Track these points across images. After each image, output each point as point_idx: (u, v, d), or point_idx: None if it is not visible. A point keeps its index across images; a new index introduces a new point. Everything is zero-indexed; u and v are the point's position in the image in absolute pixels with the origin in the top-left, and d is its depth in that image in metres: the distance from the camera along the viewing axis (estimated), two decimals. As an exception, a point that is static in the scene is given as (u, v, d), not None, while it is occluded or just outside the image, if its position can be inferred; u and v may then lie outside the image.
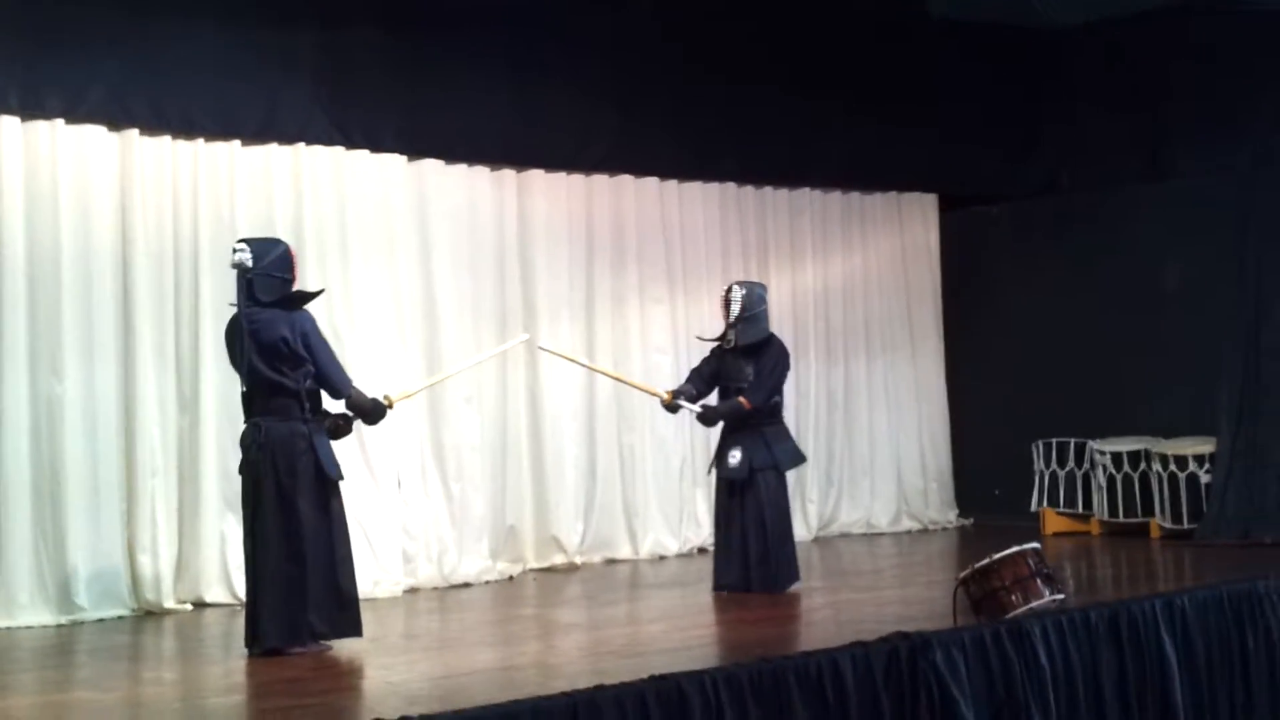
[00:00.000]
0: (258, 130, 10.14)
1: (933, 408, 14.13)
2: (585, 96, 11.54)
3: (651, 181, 12.37)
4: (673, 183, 12.53)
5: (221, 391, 9.82)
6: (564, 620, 9.23)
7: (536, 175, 11.67)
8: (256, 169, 10.20)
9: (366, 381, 10.15)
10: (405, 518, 10.48)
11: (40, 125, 9.34)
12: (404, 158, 10.83)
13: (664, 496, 12.11)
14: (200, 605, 9.67)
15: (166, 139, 9.86)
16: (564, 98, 11.40)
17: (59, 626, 9.01)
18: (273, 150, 10.25)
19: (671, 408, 9.86)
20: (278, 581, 7.56)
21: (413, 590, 10.28)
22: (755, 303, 9.79)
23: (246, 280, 7.72)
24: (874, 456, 13.67)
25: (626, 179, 12.22)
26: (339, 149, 10.47)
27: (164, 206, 9.84)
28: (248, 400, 7.78)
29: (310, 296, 8.00)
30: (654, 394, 10.13)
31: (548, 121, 11.38)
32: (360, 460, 10.20)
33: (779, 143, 12.77)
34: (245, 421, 7.80)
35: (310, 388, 7.75)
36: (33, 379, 9.25)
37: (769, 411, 9.71)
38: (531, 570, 11.28)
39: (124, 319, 9.63)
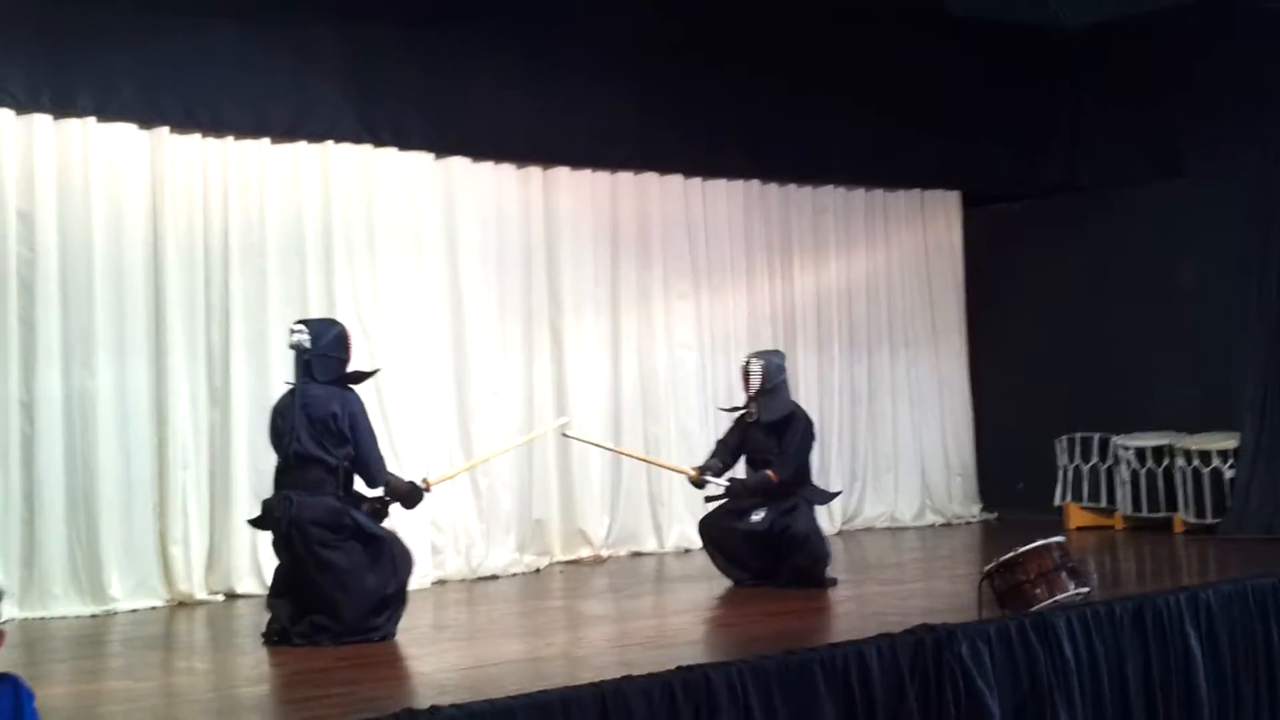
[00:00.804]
0: (287, 128, 10.22)
1: (956, 402, 14.15)
2: (610, 95, 11.59)
3: (676, 179, 12.42)
4: (697, 180, 12.57)
5: (252, 386, 9.94)
6: (591, 612, 9.28)
7: (562, 172, 11.73)
8: (286, 167, 10.28)
9: (396, 381, 10.35)
10: (433, 511, 10.53)
11: (72, 123, 9.44)
12: (431, 155, 10.90)
13: (689, 490, 12.07)
14: (232, 596, 9.76)
15: (197, 137, 9.94)
16: (590, 96, 11.46)
17: (92, 617, 9.11)
18: (302, 148, 10.32)
19: (698, 484, 9.92)
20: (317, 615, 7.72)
21: (441, 582, 10.35)
22: (775, 373, 9.83)
23: (305, 360, 7.90)
24: (898, 451, 13.70)
25: (651, 176, 12.27)
26: (367, 147, 10.54)
27: (194, 204, 9.93)
28: (280, 473, 7.89)
29: (365, 376, 8.17)
30: (681, 472, 10.28)
31: (573, 119, 11.44)
32: (389, 454, 10.23)
33: (802, 140, 12.81)
34: (275, 491, 7.89)
35: (347, 467, 7.87)
36: (66, 374, 9.34)
37: (796, 483, 9.74)
38: (558, 563, 11.34)
39: (156, 315, 9.72)
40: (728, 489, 9.77)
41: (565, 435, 10.81)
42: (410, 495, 8.15)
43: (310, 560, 7.68)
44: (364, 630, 7.70)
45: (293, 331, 8.02)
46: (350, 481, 7.92)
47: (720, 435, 10.29)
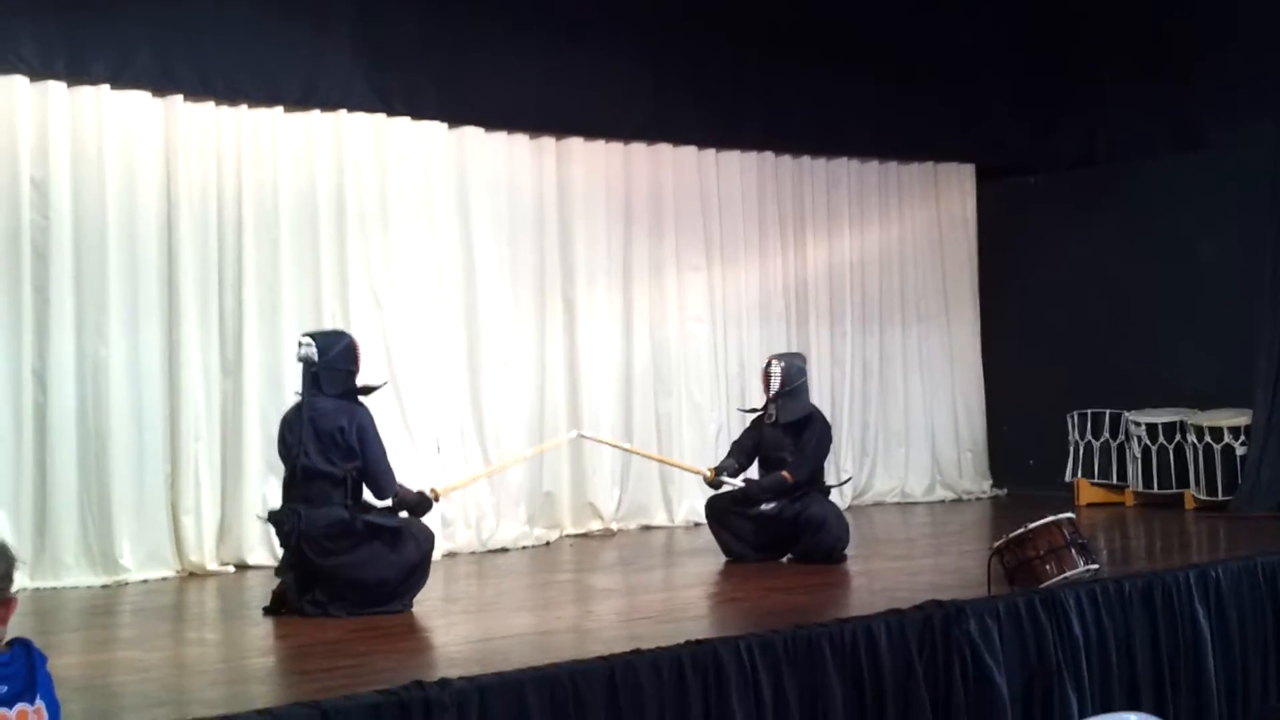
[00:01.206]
0: (300, 97, 10.22)
1: (968, 378, 14.14)
2: (624, 65, 11.58)
3: (689, 150, 12.40)
4: (710, 152, 12.56)
5: (264, 357, 9.96)
6: (600, 586, 9.31)
7: (575, 143, 11.72)
8: (299, 135, 10.29)
9: (409, 352, 10.35)
10: (444, 483, 10.55)
11: (86, 91, 9.44)
12: (444, 125, 10.89)
13: (699, 463, 12.13)
14: (242, 567, 9.79)
15: (210, 105, 9.94)
16: (603, 66, 11.45)
17: (104, 587, 9.14)
18: (315, 117, 10.32)
19: (714, 484, 9.90)
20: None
21: (451, 555, 10.35)
22: (795, 376, 9.84)
23: (312, 374, 7.89)
24: (909, 426, 13.70)
25: (664, 147, 12.25)
26: (380, 116, 10.54)
27: (208, 172, 9.94)
28: (288, 485, 7.90)
29: (373, 389, 8.16)
30: (697, 472, 10.28)
31: (586, 90, 11.44)
32: (400, 425, 10.30)
33: (816, 112, 12.80)
34: (283, 503, 7.91)
35: (355, 477, 7.86)
36: (79, 343, 9.36)
37: (810, 483, 9.75)
38: (568, 536, 11.37)
39: (168, 284, 9.73)
40: (744, 489, 9.74)
41: (582, 436, 10.77)
42: (419, 505, 8.14)
43: (323, 568, 7.70)
44: (383, 603, 7.72)
45: (300, 344, 8.01)
46: (359, 490, 7.92)
47: (736, 436, 10.31)
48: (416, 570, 7.92)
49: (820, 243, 13.30)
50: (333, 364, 7.91)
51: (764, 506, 9.63)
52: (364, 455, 7.82)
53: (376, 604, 7.70)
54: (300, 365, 7.98)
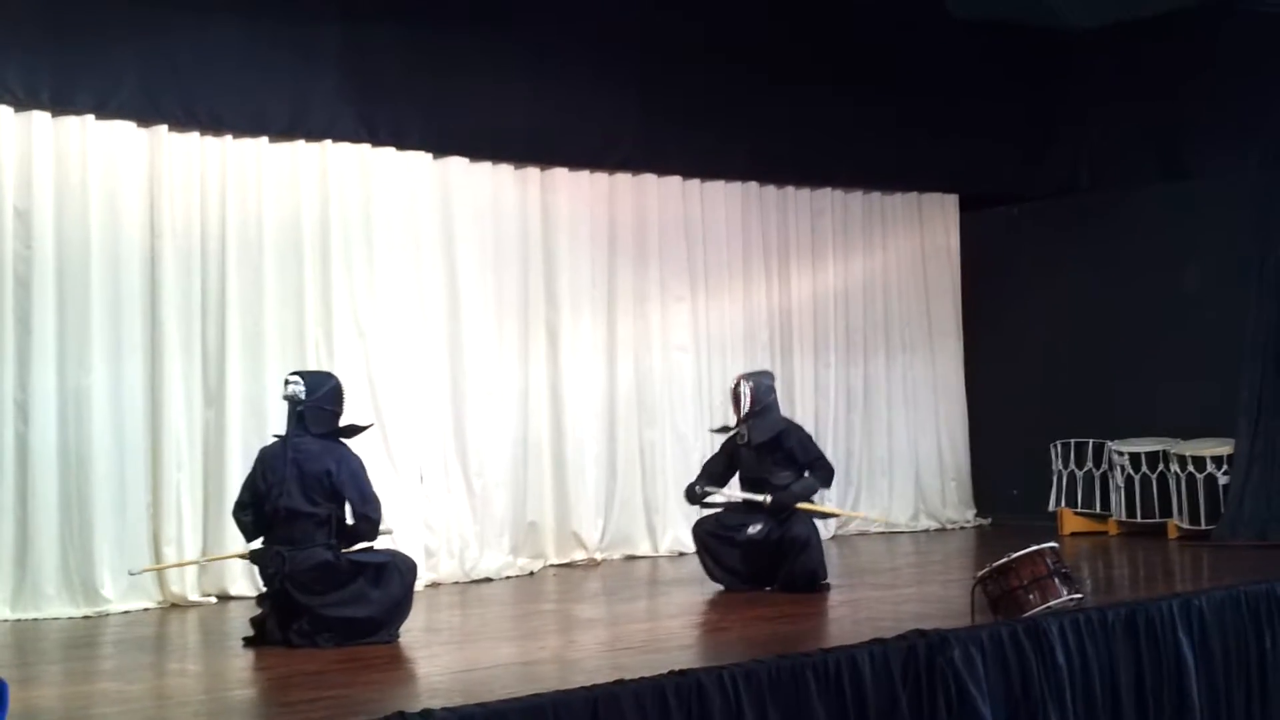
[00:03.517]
0: (285, 127, 10.23)
1: (951, 407, 14.16)
2: (609, 96, 11.61)
3: (674, 180, 12.44)
4: (695, 182, 12.59)
5: (247, 387, 9.95)
6: (584, 616, 9.28)
7: (560, 173, 11.74)
8: (284, 166, 10.29)
9: (392, 381, 10.34)
10: (427, 513, 10.55)
11: (71, 121, 9.44)
12: (429, 155, 10.91)
13: (683, 494, 12.15)
14: (224, 598, 9.76)
15: (195, 135, 9.96)
16: (588, 97, 11.48)
17: (85, 618, 9.09)
18: (300, 147, 10.33)
19: (697, 497, 9.86)
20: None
21: (434, 585, 10.34)
22: (764, 394, 9.81)
23: (298, 412, 7.87)
24: (892, 455, 13.71)
25: (649, 177, 12.28)
26: (365, 146, 10.55)
27: (192, 202, 9.94)
28: (267, 525, 7.85)
29: (359, 430, 8.15)
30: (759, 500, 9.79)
31: (571, 120, 11.46)
32: (384, 455, 10.28)
33: (800, 143, 12.83)
34: (264, 543, 7.88)
35: (339, 516, 7.84)
36: (61, 372, 9.34)
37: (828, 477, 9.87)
38: (552, 566, 11.35)
39: (151, 313, 9.72)
40: (774, 500, 9.60)
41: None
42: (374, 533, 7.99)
43: (308, 606, 7.68)
44: (369, 634, 7.71)
45: (287, 383, 8.00)
46: (342, 529, 7.89)
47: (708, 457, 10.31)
48: (401, 603, 7.91)
49: (804, 273, 13.33)
50: (319, 404, 7.91)
51: (751, 530, 9.59)
52: (351, 496, 7.80)
53: (362, 636, 7.68)
54: (286, 403, 7.96)
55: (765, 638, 7.69)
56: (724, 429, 10.18)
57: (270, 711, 6.39)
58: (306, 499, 7.72)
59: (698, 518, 10.10)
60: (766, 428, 9.76)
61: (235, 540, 9.65)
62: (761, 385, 9.85)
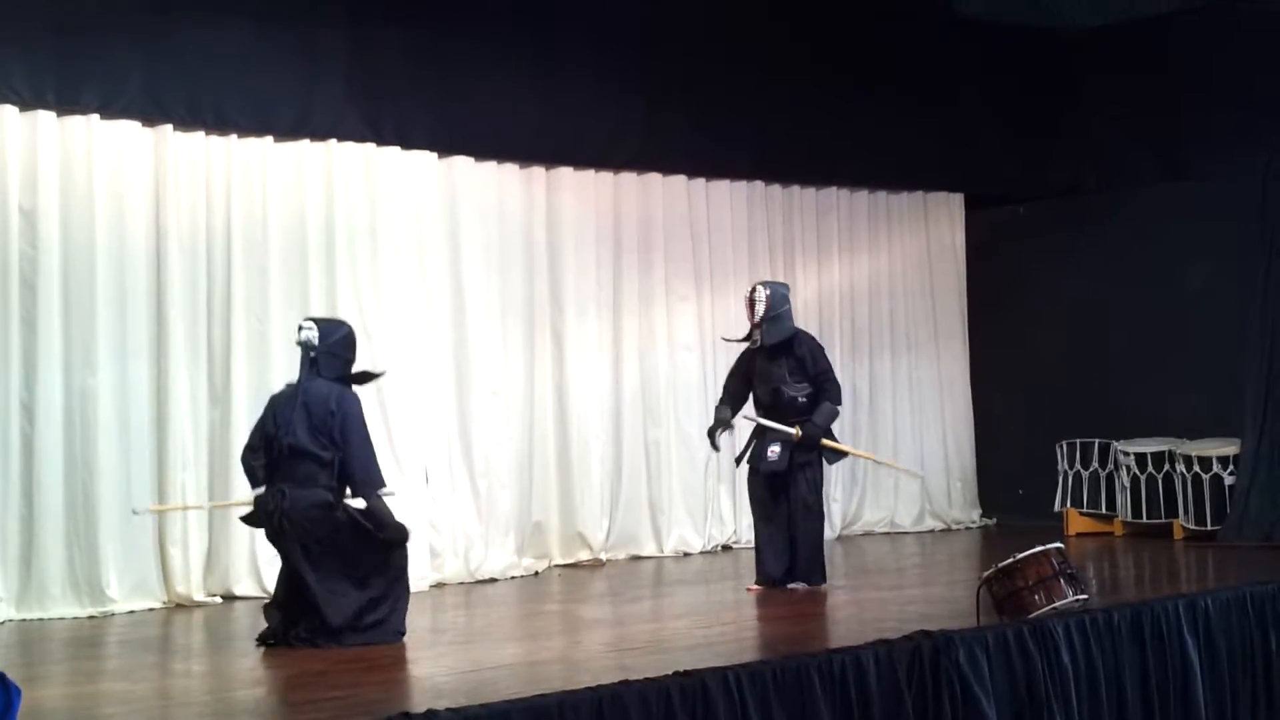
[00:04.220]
0: (290, 127, 10.24)
1: (957, 407, 14.15)
2: (614, 95, 11.61)
3: (679, 179, 12.43)
4: (700, 181, 12.59)
5: (252, 386, 9.94)
6: (589, 616, 9.28)
7: (565, 173, 11.74)
8: (289, 165, 10.29)
9: (397, 380, 10.34)
10: (432, 513, 10.55)
11: (76, 120, 9.45)
12: (434, 155, 10.90)
13: (689, 493, 12.17)
14: (230, 598, 9.77)
15: (200, 135, 9.96)
16: (593, 96, 11.48)
17: (90, 618, 9.11)
18: (305, 147, 10.33)
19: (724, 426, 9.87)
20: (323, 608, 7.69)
21: (439, 585, 10.35)
22: (779, 302, 9.80)
23: (311, 358, 7.90)
24: (898, 455, 13.66)
25: (654, 177, 12.28)
26: (370, 146, 10.55)
27: (197, 202, 9.94)
28: (272, 467, 7.86)
29: (372, 376, 8.19)
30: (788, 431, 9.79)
31: (576, 119, 11.46)
32: (389, 455, 10.28)
33: (806, 142, 12.83)
34: (267, 487, 7.85)
35: (342, 461, 7.81)
36: (66, 372, 9.34)
37: (810, 401, 9.75)
38: (557, 566, 11.35)
39: (157, 313, 9.72)
40: (804, 434, 9.60)
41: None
42: (394, 529, 7.91)
43: (300, 554, 7.65)
44: (356, 630, 7.68)
45: (301, 328, 8.02)
46: (344, 476, 7.85)
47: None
48: (388, 594, 7.85)
49: (810, 272, 13.32)
50: (332, 350, 7.94)
51: (771, 458, 9.61)
52: (345, 444, 7.78)
53: (349, 630, 7.65)
54: (299, 349, 7.96)
55: (770, 638, 7.69)
56: (735, 340, 10.17)
57: (275, 712, 6.39)
58: (312, 438, 7.74)
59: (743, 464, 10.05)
60: (779, 332, 9.76)
61: (241, 541, 9.74)
62: (777, 293, 9.84)
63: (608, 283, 12.00)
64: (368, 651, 7.49)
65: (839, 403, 9.90)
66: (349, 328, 8.19)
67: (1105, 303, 13.30)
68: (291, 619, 7.72)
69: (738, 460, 10.15)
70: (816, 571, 9.67)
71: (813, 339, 10.04)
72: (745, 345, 9.94)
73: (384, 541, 7.85)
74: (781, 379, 9.73)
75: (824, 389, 9.76)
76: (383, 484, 7.97)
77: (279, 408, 7.93)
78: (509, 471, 11.12)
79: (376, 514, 7.86)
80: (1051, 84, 13.92)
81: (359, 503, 7.85)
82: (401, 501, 10.20)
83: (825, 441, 9.76)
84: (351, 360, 8.09)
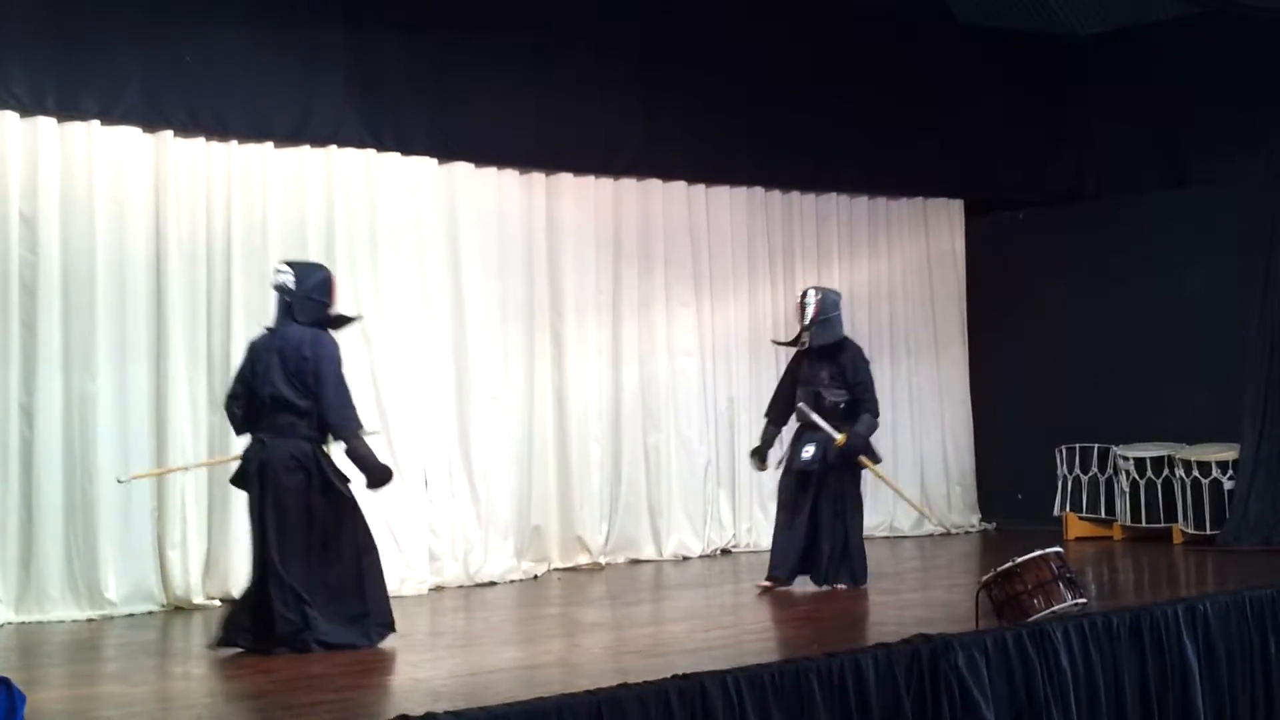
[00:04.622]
0: (290, 133, 10.24)
1: (956, 412, 14.15)
2: (614, 101, 11.62)
3: (679, 185, 12.44)
4: (700, 187, 12.59)
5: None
6: (588, 619, 9.29)
7: (565, 179, 11.75)
8: (289, 171, 10.30)
9: (398, 386, 10.34)
10: (431, 516, 10.56)
11: (76, 126, 9.45)
12: (434, 161, 10.91)
13: (688, 498, 12.17)
14: (229, 601, 9.71)
15: (200, 140, 9.96)
16: (593, 102, 11.48)
17: (89, 621, 9.10)
18: (305, 153, 10.34)
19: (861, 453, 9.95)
20: (288, 585, 7.57)
21: (438, 589, 10.36)
22: (829, 307, 10.02)
23: (287, 302, 7.85)
24: (897, 460, 13.66)
25: (654, 183, 12.28)
26: (370, 152, 10.56)
27: (197, 207, 9.95)
28: (255, 417, 7.79)
29: (347, 320, 8.13)
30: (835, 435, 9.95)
31: (576, 126, 11.47)
32: (388, 459, 10.27)
33: (806, 148, 12.84)
34: (250, 437, 7.83)
35: (320, 409, 7.71)
36: (66, 377, 9.35)
37: (848, 410, 9.94)
38: (556, 570, 11.35)
39: (157, 318, 9.72)
40: (848, 444, 9.75)
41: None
42: (378, 469, 7.84)
43: (274, 520, 7.54)
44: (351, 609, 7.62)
45: (278, 272, 7.96)
46: (324, 425, 7.76)
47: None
48: (365, 584, 7.75)
49: (810, 277, 13.28)
50: (308, 294, 7.85)
51: (805, 456, 9.78)
52: (319, 386, 7.66)
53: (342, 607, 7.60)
54: (275, 293, 7.91)
55: (769, 642, 7.69)
56: (783, 343, 10.44)
57: (273, 715, 6.38)
58: (289, 385, 7.65)
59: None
60: (828, 336, 9.96)
61: (240, 544, 9.73)
62: (828, 298, 10.06)
63: (607, 288, 12.00)
64: (365, 654, 7.50)
65: (877, 414, 10.07)
66: (326, 271, 8.11)
67: (1105, 308, 13.30)
68: (260, 626, 7.59)
69: (780, 464, 10.27)
70: (844, 571, 9.78)
71: (859, 349, 10.20)
72: (794, 351, 10.18)
73: (369, 484, 7.80)
74: (822, 383, 9.94)
75: (861, 400, 9.94)
76: (360, 425, 7.86)
77: (257, 355, 7.84)
78: (508, 475, 11.13)
79: (359, 455, 7.78)
80: (1051, 89, 13.93)
81: (338, 448, 7.75)
82: (401, 505, 10.27)
83: (862, 459, 9.92)
84: (329, 304, 7.99)
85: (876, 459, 10.11)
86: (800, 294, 10.21)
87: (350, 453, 7.81)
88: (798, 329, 10.11)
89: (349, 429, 7.79)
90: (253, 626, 7.67)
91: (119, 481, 9.00)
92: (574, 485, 11.59)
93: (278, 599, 7.57)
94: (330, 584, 7.67)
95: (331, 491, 7.72)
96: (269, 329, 7.98)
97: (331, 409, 7.72)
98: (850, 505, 9.89)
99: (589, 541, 11.60)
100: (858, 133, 12.99)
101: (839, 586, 9.72)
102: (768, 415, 10.33)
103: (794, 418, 10.09)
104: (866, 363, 10.15)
